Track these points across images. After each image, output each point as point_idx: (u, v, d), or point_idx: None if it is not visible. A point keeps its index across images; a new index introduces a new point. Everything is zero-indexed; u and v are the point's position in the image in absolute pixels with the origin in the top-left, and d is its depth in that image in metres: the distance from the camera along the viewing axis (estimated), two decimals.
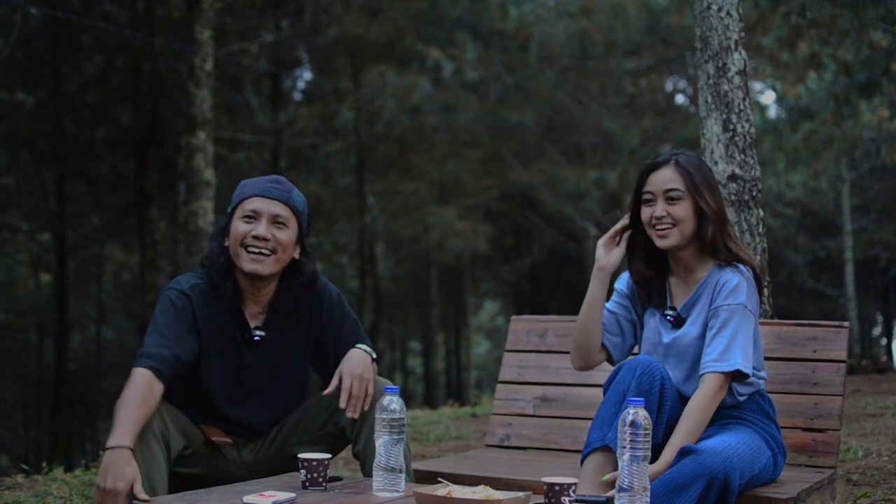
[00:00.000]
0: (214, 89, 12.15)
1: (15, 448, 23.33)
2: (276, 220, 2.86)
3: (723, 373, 2.71)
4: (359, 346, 2.96)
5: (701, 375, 2.73)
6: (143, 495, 2.42)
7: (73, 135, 17.06)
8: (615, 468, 2.58)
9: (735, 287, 2.77)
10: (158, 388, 2.65)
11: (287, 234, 2.87)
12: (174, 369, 2.72)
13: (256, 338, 2.91)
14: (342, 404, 2.78)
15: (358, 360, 2.87)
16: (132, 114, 16.90)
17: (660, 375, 2.67)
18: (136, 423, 2.54)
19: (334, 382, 2.83)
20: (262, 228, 2.84)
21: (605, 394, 2.75)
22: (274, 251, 2.85)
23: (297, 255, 2.94)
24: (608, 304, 3.00)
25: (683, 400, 2.81)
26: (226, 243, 2.91)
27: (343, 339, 3.00)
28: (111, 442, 2.48)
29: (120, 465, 2.44)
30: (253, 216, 2.86)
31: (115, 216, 18.31)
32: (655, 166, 2.87)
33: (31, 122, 16.99)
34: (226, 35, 14.93)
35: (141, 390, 2.60)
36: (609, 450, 2.61)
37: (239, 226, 2.86)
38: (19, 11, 11.19)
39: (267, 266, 2.85)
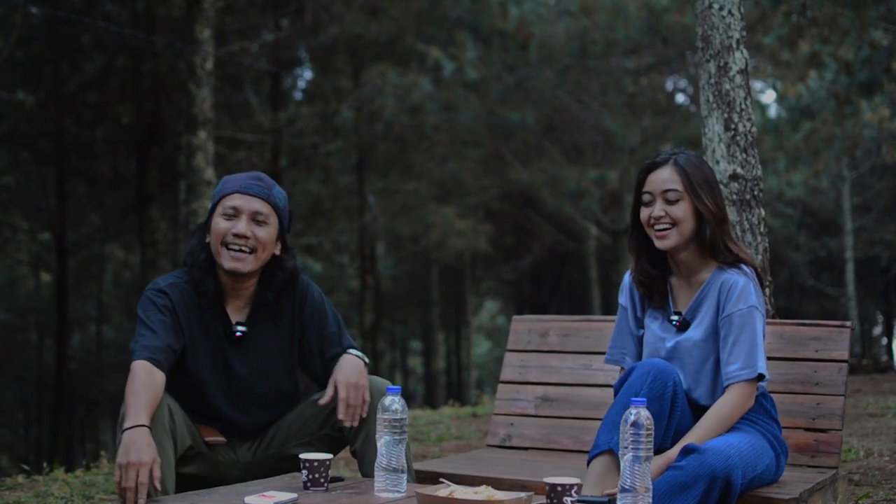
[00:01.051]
0: (215, 88, 12.15)
1: (15, 448, 23.32)
2: (256, 218, 2.86)
3: (751, 380, 2.71)
4: (350, 351, 2.94)
5: (727, 385, 2.72)
6: (158, 483, 2.43)
7: (74, 134, 17.05)
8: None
9: (742, 290, 2.75)
10: (160, 375, 2.66)
11: (267, 232, 2.87)
12: (170, 358, 2.74)
13: (238, 333, 2.91)
14: (340, 415, 2.77)
15: (352, 368, 2.85)
16: (133, 113, 16.89)
17: (672, 381, 2.65)
18: (148, 406, 2.55)
19: (329, 392, 2.82)
20: (242, 226, 2.84)
21: (615, 395, 2.73)
22: (254, 249, 2.85)
23: (277, 252, 2.94)
24: (630, 325, 2.99)
25: (690, 403, 2.80)
26: (207, 240, 2.91)
27: (327, 338, 2.99)
28: (128, 424, 2.48)
29: (140, 441, 2.44)
30: (233, 213, 2.86)
31: (116, 216, 18.30)
32: (654, 166, 2.83)
33: (31, 122, 16.98)
34: (226, 34, 14.91)
35: (144, 378, 2.61)
36: (615, 454, 2.59)
37: (220, 223, 2.86)
38: (20, 11, 11.18)
39: (247, 264, 2.85)
